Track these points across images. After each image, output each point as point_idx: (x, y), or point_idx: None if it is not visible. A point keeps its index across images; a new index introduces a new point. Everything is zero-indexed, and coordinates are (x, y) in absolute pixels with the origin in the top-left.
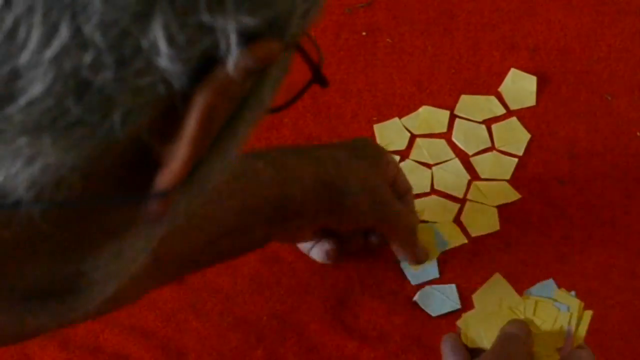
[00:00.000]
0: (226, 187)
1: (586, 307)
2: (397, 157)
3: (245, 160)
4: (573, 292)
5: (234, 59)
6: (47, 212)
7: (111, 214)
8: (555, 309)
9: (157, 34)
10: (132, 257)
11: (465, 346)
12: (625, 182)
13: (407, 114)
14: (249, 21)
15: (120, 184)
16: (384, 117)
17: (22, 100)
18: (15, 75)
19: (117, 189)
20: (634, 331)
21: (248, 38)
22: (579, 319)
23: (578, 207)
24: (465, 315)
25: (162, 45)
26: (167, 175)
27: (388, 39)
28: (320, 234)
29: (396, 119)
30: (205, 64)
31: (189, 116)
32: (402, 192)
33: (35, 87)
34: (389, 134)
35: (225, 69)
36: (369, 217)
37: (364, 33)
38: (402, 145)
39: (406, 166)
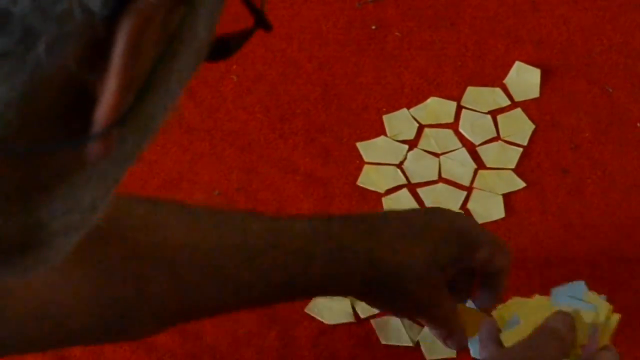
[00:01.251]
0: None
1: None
2: (406, 147)
3: (302, 230)
4: (603, 296)
5: None
6: None
7: (56, 155)
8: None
9: None
10: (90, 205)
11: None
12: (626, 171)
13: (416, 104)
14: None
15: (60, 123)
16: (393, 108)
17: None
18: None
19: (58, 128)
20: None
21: None
22: (607, 319)
23: (580, 196)
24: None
25: None
26: (102, 110)
27: (397, 33)
28: None
29: (405, 110)
30: None
31: (115, 44)
32: (492, 270)
33: None
34: (398, 124)
35: None
36: (406, 313)
37: (373, 27)
38: (410, 135)
39: (414, 155)
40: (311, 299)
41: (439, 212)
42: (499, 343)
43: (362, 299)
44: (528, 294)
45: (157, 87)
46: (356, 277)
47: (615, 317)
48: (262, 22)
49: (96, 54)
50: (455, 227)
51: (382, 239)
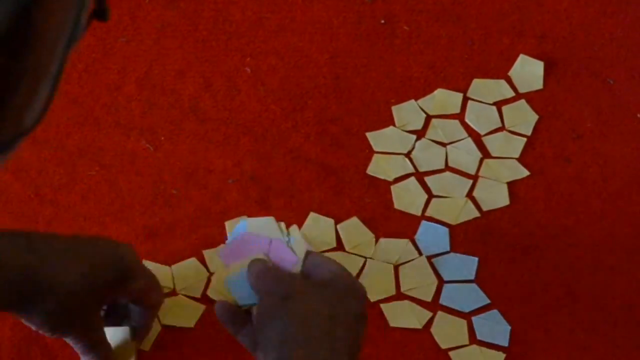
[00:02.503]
0: None
1: (590, 278)
2: (414, 137)
3: None
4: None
5: None
6: None
7: None
8: None
9: None
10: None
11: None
12: (626, 160)
13: (423, 96)
14: None
15: None
16: (401, 99)
17: None
18: None
19: None
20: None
21: None
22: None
23: (582, 184)
24: (227, 278)
25: None
26: (25, 107)
27: (405, 27)
28: None
29: (413, 101)
30: None
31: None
32: (147, 305)
33: None
34: (406, 114)
35: None
36: (56, 327)
37: (382, 21)
38: (418, 126)
39: (422, 145)
40: None
41: (104, 240)
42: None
43: (20, 316)
44: (531, 280)
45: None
46: (11, 291)
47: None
48: (100, 10)
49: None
50: (116, 254)
51: (39, 254)
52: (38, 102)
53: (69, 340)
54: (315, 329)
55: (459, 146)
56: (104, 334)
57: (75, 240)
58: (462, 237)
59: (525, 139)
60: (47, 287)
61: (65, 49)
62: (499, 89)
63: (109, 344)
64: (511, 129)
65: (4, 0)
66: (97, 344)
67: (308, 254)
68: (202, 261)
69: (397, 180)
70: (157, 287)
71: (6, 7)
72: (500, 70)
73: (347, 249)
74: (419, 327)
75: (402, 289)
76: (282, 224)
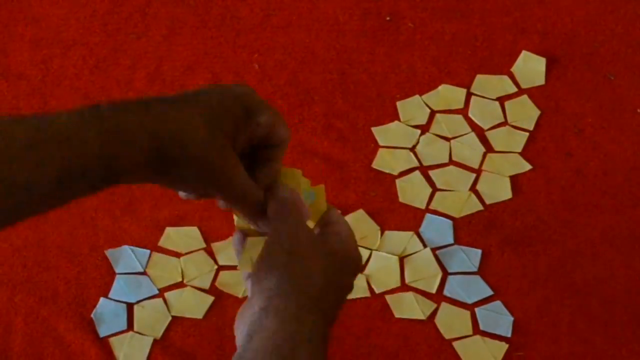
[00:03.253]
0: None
1: (591, 270)
2: (418, 131)
3: (69, 119)
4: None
5: None
6: None
7: None
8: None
9: None
10: None
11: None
12: (626, 154)
13: (427, 91)
14: None
15: None
16: (406, 95)
17: None
18: None
19: None
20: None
21: None
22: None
23: (583, 177)
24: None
25: None
26: None
27: (410, 24)
28: None
29: (417, 96)
30: None
31: None
32: (275, 142)
33: None
34: (411, 110)
35: None
36: (200, 189)
37: (388, 18)
38: (423, 120)
39: (426, 139)
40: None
41: (214, 85)
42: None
43: (158, 180)
44: (533, 272)
45: None
46: (139, 155)
47: (320, 187)
48: None
49: None
50: (232, 92)
51: (156, 112)
52: None
53: (219, 199)
54: (308, 290)
55: (462, 141)
56: (248, 179)
57: (183, 92)
58: (465, 230)
59: (527, 134)
60: (177, 139)
61: None
62: (502, 84)
63: (258, 189)
64: (514, 123)
65: None
66: (247, 192)
67: (329, 209)
68: (211, 253)
69: (402, 174)
70: (283, 122)
71: None
72: (503, 66)
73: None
74: (424, 318)
75: (406, 281)
76: (308, 181)
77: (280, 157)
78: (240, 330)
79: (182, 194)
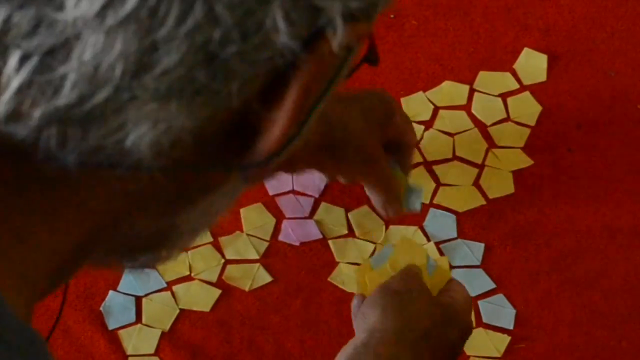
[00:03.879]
0: None
1: (592, 263)
2: (422, 127)
3: None
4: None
5: (339, 36)
6: (162, 170)
7: (212, 173)
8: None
9: (277, 13)
10: (215, 212)
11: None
12: (626, 149)
13: (431, 88)
14: (353, 4)
15: (221, 148)
16: (410, 91)
17: (158, 70)
18: (153, 47)
19: (218, 152)
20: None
21: (349, 18)
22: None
23: (584, 172)
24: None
25: (281, 24)
26: (268, 141)
27: (414, 21)
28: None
29: (421, 93)
30: (312, 40)
31: (293, 86)
32: (405, 146)
33: (170, 58)
34: (415, 106)
35: (328, 45)
36: (355, 171)
37: (392, 16)
38: (426, 116)
39: (430, 135)
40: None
41: (362, 90)
42: None
43: (322, 161)
44: (535, 265)
45: (308, 123)
46: (313, 135)
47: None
48: (372, 56)
49: (274, 92)
50: (379, 96)
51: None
52: (289, 138)
53: (367, 184)
54: (406, 333)
55: (465, 136)
56: (389, 170)
57: (345, 94)
58: (468, 224)
59: (529, 129)
60: (341, 127)
61: (319, 99)
62: (504, 81)
63: (395, 181)
64: (516, 119)
65: None
66: (386, 179)
67: (451, 281)
68: (218, 248)
69: None
70: (412, 128)
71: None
72: (505, 63)
73: (357, 235)
74: None
75: None
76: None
77: (407, 162)
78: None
79: (339, 178)
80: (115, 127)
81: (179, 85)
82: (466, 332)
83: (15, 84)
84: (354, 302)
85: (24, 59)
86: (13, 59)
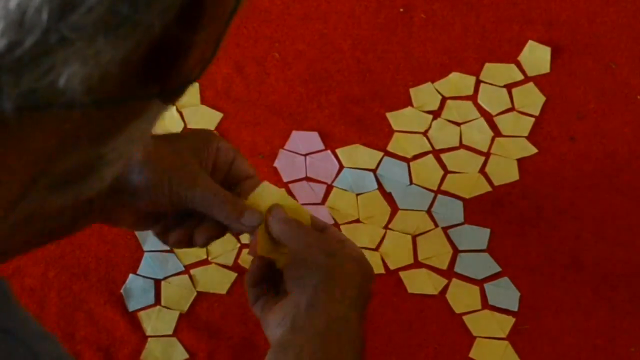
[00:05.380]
0: None
1: (593, 248)
2: (430, 117)
3: None
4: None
5: None
6: (94, 105)
7: (137, 101)
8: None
9: None
10: (138, 139)
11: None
12: (627, 138)
13: (439, 79)
14: None
15: (143, 76)
16: (418, 82)
17: (83, 8)
18: None
19: (141, 80)
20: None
21: None
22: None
23: (586, 160)
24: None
25: None
26: (191, 61)
27: (422, 15)
28: (145, 222)
29: (429, 84)
30: None
31: (209, 6)
32: (241, 177)
33: None
34: (423, 96)
35: None
36: (167, 197)
37: (401, 10)
38: (434, 106)
39: (438, 124)
40: None
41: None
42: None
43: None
44: (539, 249)
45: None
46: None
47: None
48: None
49: (189, 14)
50: (196, 132)
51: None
52: (205, 60)
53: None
54: (348, 292)
55: (472, 125)
56: (216, 186)
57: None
58: (475, 210)
59: (533, 119)
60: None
61: (231, 16)
62: (509, 72)
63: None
64: (520, 109)
65: None
66: (216, 190)
67: (329, 228)
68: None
69: (416, 157)
70: (244, 158)
71: None
72: (510, 55)
73: (361, 219)
74: (435, 293)
75: (419, 258)
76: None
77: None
78: (278, 322)
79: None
80: (46, 70)
81: (104, 20)
82: (373, 274)
83: None
84: (253, 270)
85: None
86: None
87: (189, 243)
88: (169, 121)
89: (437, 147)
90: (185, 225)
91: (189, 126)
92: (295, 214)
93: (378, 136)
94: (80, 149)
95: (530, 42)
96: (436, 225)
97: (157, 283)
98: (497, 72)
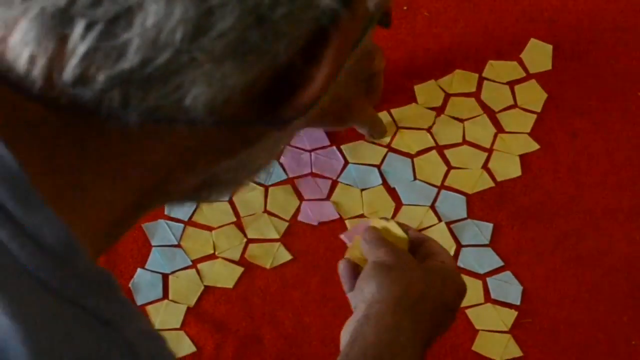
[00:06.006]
0: None
1: (594, 242)
2: (434, 113)
3: None
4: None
5: None
6: (215, 125)
7: (254, 127)
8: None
9: None
10: (257, 169)
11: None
12: (627, 134)
13: (443, 76)
14: None
15: (264, 103)
16: (423, 79)
17: (214, 33)
18: (210, 12)
19: (262, 107)
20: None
21: None
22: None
23: (587, 156)
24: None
25: None
26: (307, 95)
27: (426, 13)
28: None
29: (433, 81)
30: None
31: (333, 42)
32: (374, 69)
33: (225, 21)
34: (427, 93)
35: (364, 4)
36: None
37: (405, 8)
38: (438, 103)
39: (442, 121)
40: None
41: None
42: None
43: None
44: (541, 244)
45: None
46: None
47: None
48: (386, 19)
49: (315, 49)
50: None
51: None
52: (320, 94)
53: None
54: (404, 300)
55: (475, 122)
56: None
57: None
58: (478, 205)
59: (535, 115)
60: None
61: (347, 58)
62: (512, 70)
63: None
64: (523, 106)
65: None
66: (372, 118)
67: (426, 239)
68: (241, 227)
69: (420, 152)
70: (381, 54)
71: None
72: (512, 53)
73: (365, 214)
74: None
75: None
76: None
77: (380, 82)
78: (344, 338)
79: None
80: (174, 88)
81: (233, 46)
82: (461, 291)
83: (81, 50)
84: (341, 266)
85: (89, 27)
86: (79, 28)
87: None
88: None
89: (440, 143)
90: None
91: None
92: (391, 238)
93: None
94: (196, 169)
95: (532, 40)
96: (440, 220)
97: (165, 277)
98: (499, 69)
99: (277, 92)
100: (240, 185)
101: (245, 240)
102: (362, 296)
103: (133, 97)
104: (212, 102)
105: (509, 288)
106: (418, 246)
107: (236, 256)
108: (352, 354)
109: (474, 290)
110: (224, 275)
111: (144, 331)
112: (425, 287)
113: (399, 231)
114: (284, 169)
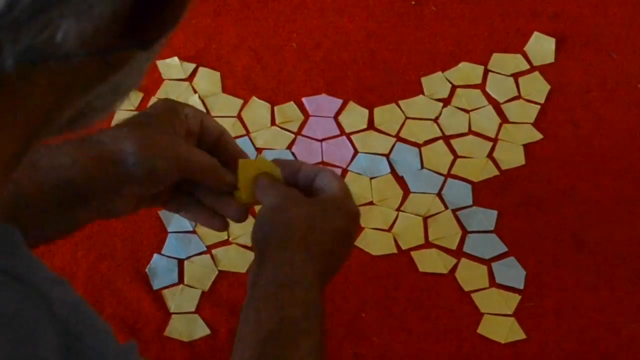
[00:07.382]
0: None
1: (596, 229)
2: (441, 104)
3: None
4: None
5: None
6: (87, 57)
7: (124, 51)
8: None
9: None
10: (125, 91)
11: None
12: (627, 125)
13: (449, 68)
14: None
15: (129, 27)
16: (429, 71)
17: None
18: None
19: (129, 32)
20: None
21: None
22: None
23: (589, 146)
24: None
25: None
26: (171, 10)
27: (433, 7)
28: (143, 203)
29: (440, 73)
30: None
31: None
32: (215, 136)
33: None
34: (434, 85)
35: None
36: (163, 177)
37: (413, 2)
38: (444, 94)
39: (448, 111)
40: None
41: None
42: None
43: (125, 193)
44: (544, 230)
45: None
46: (88, 175)
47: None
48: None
49: None
50: (159, 103)
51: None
52: (178, 16)
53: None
54: (292, 235)
55: (480, 113)
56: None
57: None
58: (483, 193)
59: (539, 106)
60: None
61: None
62: (516, 62)
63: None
64: (526, 97)
65: None
66: (210, 168)
67: (318, 173)
68: (254, 214)
69: (427, 142)
70: (210, 117)
71: None
72: (517, 45)
73: (374, 202)
74: (445, 272)
75: (430, 239)
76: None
77: (233, 146)
78: (249, 281)
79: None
80: (44, 26)
81: None
82: (352, 214)
83: None
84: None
85: None
86: None
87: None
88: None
89: (447, 133)
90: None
91: (212, 113)
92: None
93: (390, 123)
94: (72, 100)
95: (535, 33)
96: (446, 208)
97: (181, 262)
98: (504, 61)
99: (142, 14)
100: (113, 108)
101: None
102: (259, 239)
103: (5, 41)
104: (83, 34)
105: (512, 273)
106: (311, 181)
107: (249, 242)
108: (255, 295)
109: (479, 275)
110: (238, 261)
111: (51, 278)
112: (312, 220)
113: (269, 164)
114: (296, 158)
